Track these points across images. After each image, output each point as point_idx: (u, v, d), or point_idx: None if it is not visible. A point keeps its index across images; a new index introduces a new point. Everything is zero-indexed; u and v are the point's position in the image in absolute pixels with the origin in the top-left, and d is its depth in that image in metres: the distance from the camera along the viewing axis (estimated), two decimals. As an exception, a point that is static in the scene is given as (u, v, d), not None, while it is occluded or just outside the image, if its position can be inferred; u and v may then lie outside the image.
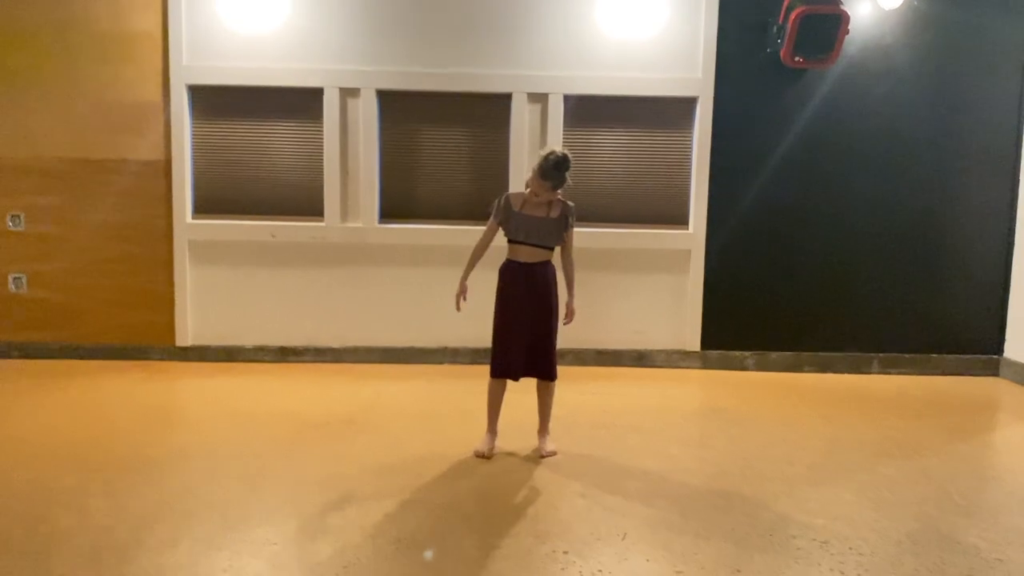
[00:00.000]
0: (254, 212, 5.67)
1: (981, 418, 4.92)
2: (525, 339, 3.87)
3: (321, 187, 5.64)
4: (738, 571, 2.75)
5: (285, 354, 5.73)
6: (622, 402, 4.88)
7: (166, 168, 5.55)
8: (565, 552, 2.87)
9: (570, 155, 3.72)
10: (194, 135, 5.60)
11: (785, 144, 5.64)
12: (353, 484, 3.47)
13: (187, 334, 5.69)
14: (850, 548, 2.95)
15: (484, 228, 4.00)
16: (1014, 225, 5.70)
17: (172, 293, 5.65)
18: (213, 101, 5.58)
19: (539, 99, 5.58)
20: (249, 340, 5.73)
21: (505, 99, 5.59)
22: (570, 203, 3.85)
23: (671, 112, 5.64)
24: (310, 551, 2.84)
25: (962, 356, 5.81)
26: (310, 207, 5.67)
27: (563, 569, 2.74)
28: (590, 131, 5.66)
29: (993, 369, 5.79)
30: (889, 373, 5.80)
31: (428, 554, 2.84)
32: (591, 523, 3.11)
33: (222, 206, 5.66)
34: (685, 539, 2.98)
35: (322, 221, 5.66)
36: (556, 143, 5.57)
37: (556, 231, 3.83)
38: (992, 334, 5.81)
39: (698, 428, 4.47)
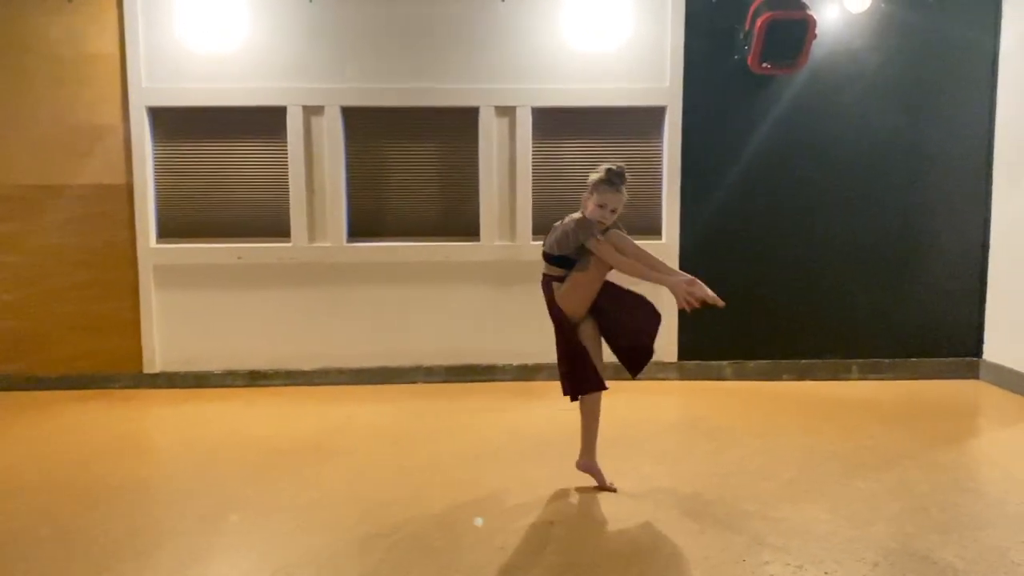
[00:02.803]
0: (220, 234, 5.56)
1: (961, 424, 4.86)
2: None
3: (287, 207, 5.54)
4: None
5: (255, 378, 5.62)
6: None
7: (128, 192, 5.44)
8: (529, 587, 2.78)
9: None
10: (156, 158, 5.49)
11: (756, 151, 5.58)
12: (321, 513, 3.37)
13: (154, 361, 5.57)
14: (825, 573, 2.87)
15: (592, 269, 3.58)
16: (988, 226, 5.67)
17: (138, 319, 5.53)
18: (174, 123, 5.47)
19: (507, 112, 5.50)
20: (218, 365, 5.62)
21: (472, 113, 5.51)
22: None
23: (640, 122, 5.57)
24: (267, 593, 2.75)
25: (941, 359, 5.76)
26: (276, 228, 5.57)
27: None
28: (559, 143, 5.59)
29: (973, 372, 5.74)
30: (868, 379, 5.74)
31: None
32: (562, 554, 3.02)
33: (187, 229, 5.55)
34: (656, 569, 2.90)
35: (289, 241, 5.56)
36: (525, 156, 5.51)
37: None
38: (970, 336, 5.76)
39: (674, 442, 4.39)
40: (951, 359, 5.77)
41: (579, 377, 3.58)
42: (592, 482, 3.68)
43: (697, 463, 4.02)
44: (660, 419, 4.87)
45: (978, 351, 5.76)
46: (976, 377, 5.74)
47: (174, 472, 3.95)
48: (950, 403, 5.21)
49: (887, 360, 5.77)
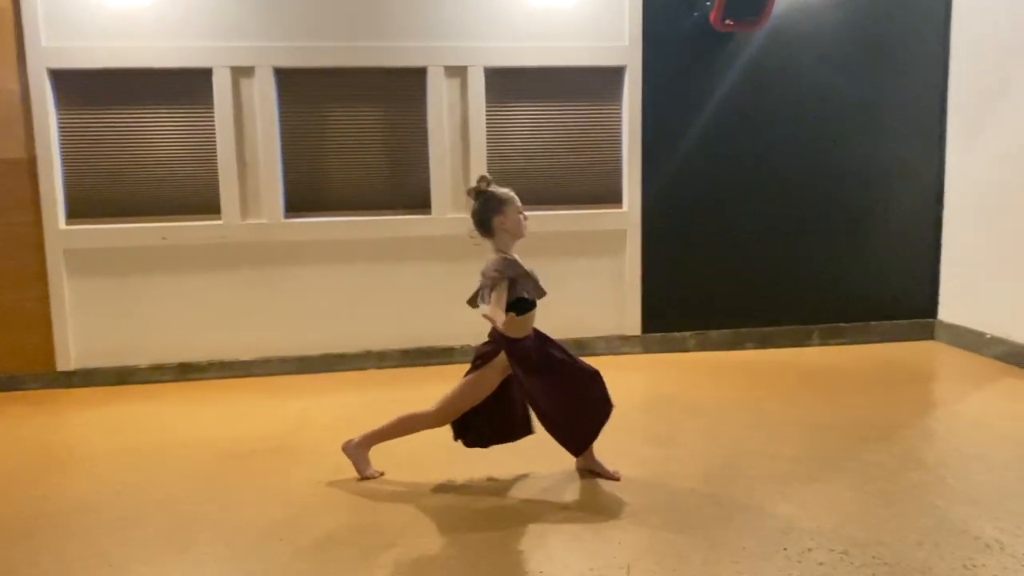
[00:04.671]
0: (140, 213, 4.96)
1: (936, 387, 4.84)
2: None
3: (216, 181, 4.99)
4: (767, 599, 2.43)
5: (186, 371, 5.08)
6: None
7: (30, 167, 4.77)
8: (569, 596, 2.47)
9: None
10: (62, 128, 4.83)
11: (716, 112, 5.37)
12: (298, 528, 2.95)
13: (69, 357, 4.95)
14: (873, 557, 2.66)
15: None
16: (942, 188, 5.65)
17: (48, 311, 4.89)
18: (82, 87, 4.83)
19: (457, 72, 5.09)
20: (143, 358, 5.04)
21: (420, 74, 5.08)
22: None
23: (599, 83, 5.27)
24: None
25: (898, 322, 5.74)
26: (205, 204, 5.01)
27: (572, 619, 2.35)
28: (514, 106, 5.22)
29: (928, 333, 5.74)
30: (828, 344, 5.67)
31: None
32: (586, 555, 2.72)
33: (101, 208, 4.93)
34: (695, 565, 2.63)
35: (219, 219, 5.02)
36: (478, 120, 5.12)
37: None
38: (926, 298, 5.75)
39: (662, 422, 4.14)
40: (908, 321, 5.75)
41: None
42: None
43: (695, 444, 3.78)
44: (637, 397, 4.62)
45: (933, 312, 5.76)
46: (932, 338, 5.74)
47: (113, 488, 3.40)
48: (915, 366, 5.18)
49: (846, 324, 5.70)
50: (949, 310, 5.67)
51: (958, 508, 3.02)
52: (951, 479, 3.31)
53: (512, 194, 3.22)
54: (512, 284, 3.13)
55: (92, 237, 4.90)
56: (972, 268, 5.43)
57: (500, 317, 3.03)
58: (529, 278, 3.16)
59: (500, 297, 3.08)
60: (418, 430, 3.40)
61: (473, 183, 3.28)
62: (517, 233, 3.24)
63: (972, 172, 5.39)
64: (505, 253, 3.19)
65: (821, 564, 2.62)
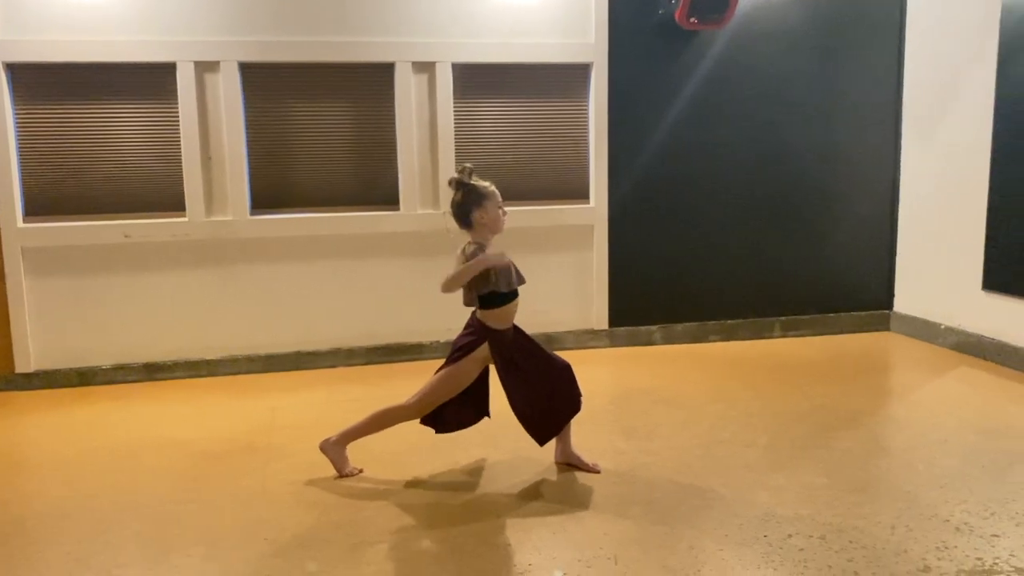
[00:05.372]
0: (101, 210, 4.86)
1: (894, 376, 4.99)
2: None
3: (180, 177, 4.91)
4: (752, 585, 2.49)
5: (152, 371, 4.99)
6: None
7: (-15, 164, 4.65)
8: (559, 586, 2.51)
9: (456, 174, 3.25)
10: (19, 124, 4.70)
11: (681, 109, 5.45)
12: (279, 527, 2.94)
13: (29, 358, 4.83)
14: (850, 541, 2.75)
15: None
16: (898, 181, 5.81)
17: (7, 311, 4.76)
18: (41, 82, 4.70)
19: (426, 68, 5.08)
20: (107, 359, 4.94)
21: (388, 69, 5.06)
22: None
23: (566, 80, 5.30)
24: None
25: (856, 313, 5.89)
26: (169, 201, 4.93)
27: (563, 609, 2.38)
28: (482, 102, 5.23)
29: (884, 324, 5.91)
30: (790, 336, 5.80)
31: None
32: (573, 546, 2.76)
33: (62, 205, 4.81)
34: (680, 554, 2.69)
35: (184, 216, 4.94)
36: (447, 116, 5.12)
37: None
38: (882, 290, 5.92)
39: (634, 415, 4.20)
40: (865, 312, 5.91)
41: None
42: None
43: (668, 435, 3.84)
44: (607, 390, 4.68)
45: (889, 304, 5.93)
46: (888, 328, 5.91)
47: (85, 492, 3.33)
48: (873, 356, 5.33)
49: (806, 317, 5.84)
50: (904, 301, 5.84)
51: (927, 493, 3.13)
52: (918, 464, 3.43)
53: (493, 188, 3.23)
54: (485, 275, 3.13)
55: (51, 235, 4.78)
56: (926, 260, 5.60)
57: (447, 283, 3.08)
58: (502, 271, 3.16)
59: (460, 273, 3.08)
60: (395, 423, 3.39)
61: (455, 172, 3.26)
62: (495, 228, 3.25)
63: (926, 167, 5.56)
64: (481, 246, 3.19)
65: (801, 550, 2.70)
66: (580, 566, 2.62)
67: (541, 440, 3.34)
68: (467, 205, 3.19)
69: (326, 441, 3.41)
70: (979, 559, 2.61)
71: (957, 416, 4.03)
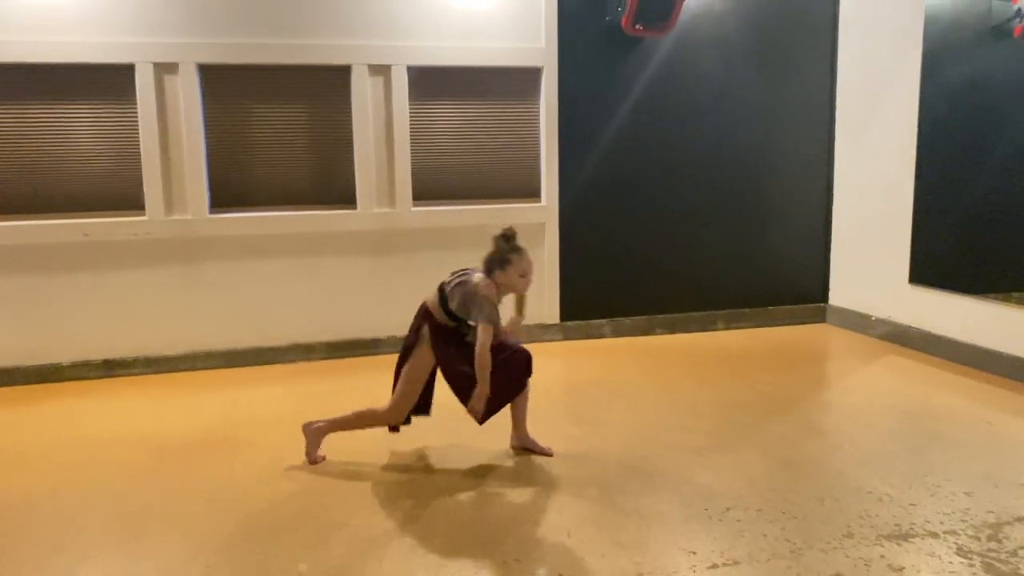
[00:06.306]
0: (61, 209, 4.91)
1: (829, 365, 5.28)
2: None
3: (139, 177, 4.98)
4: (693, 553, 2.71)
5: (111, 368, 5.06)
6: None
7: (-58, 163, 4.68)
8: (517, 560, 2.69)
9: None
10: (-24, 123, 4.75)
11: (627, 112, 5.69)
12: (249, 513, 3.08)
13: (-14, 356, 4.87)
14: (783, 512, 3.00)
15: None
16: (832, 181, 6.13)
17: (-37, 310, 4.80)
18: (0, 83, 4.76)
19: (381, 71, 5.23)
20: (66, 356, 5.00)
21: (344, 72, 5.20)
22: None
23: (518, 83, 5.50)
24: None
25: (793, 307, 6.21)
26: (128, 200, 5.01)
27: (522, 579, 2.57)
28: (436, 104, 5.40)
29: (821, 316, 6.24)
30: (732, 328, 6.08)
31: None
32: (531, 522, 2.95)
33: (20, 204, 4.85)
34: (629, 529, 2.90)
35: (144, 215, 5.01)
36: (402, 117, 5.28)
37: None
38: (818, 284, 6.24)
39: (585, 403, 4.41)
40: (802, 306, 6.23)
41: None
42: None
43: (617, 422, 4.07)
44: (560, 381, 4.89)
45: (824, 297, 6.26)
46: (823, 320, 6.24)
47: (51, 485, 3.43)
48: (809, 346, 5.63)
49: (747, 310, 6.13)
50: (838, 295, 6.17)
51: (853, 469, 3.40)
52: (846, 445, 3.70)
53: (524, 256, 3.38)
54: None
55: (10, 234, 4.82)
56: (858, 257, 5.93)
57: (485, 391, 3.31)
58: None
59: (485, 344, 3.28)
60: (375, 426, 3.58)
61: (504, 229, 3.40)
62: (509, 291, 3.44)
63: (857, 168, 5.89)
64: (493, 287, 3.35)
65: (739, 521, 2.94)
66: (536, 542, 2.81)
67: (482, 419, 3.43)
68: (492, 262, 3.37)
69: (309, 424, 3.57)
70: (897, 525, 2.88)
71: (884, 401, 4.33)
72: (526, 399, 3.63)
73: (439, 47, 5.29)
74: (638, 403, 4.36)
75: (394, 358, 3.56)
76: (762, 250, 6.11)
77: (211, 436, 3.97)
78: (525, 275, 3.41)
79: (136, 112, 4.91)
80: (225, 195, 5.18)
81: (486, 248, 3.41)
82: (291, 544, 2.83)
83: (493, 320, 3.33)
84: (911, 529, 2.84)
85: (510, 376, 3.49)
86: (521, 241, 3.39)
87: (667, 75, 5.72)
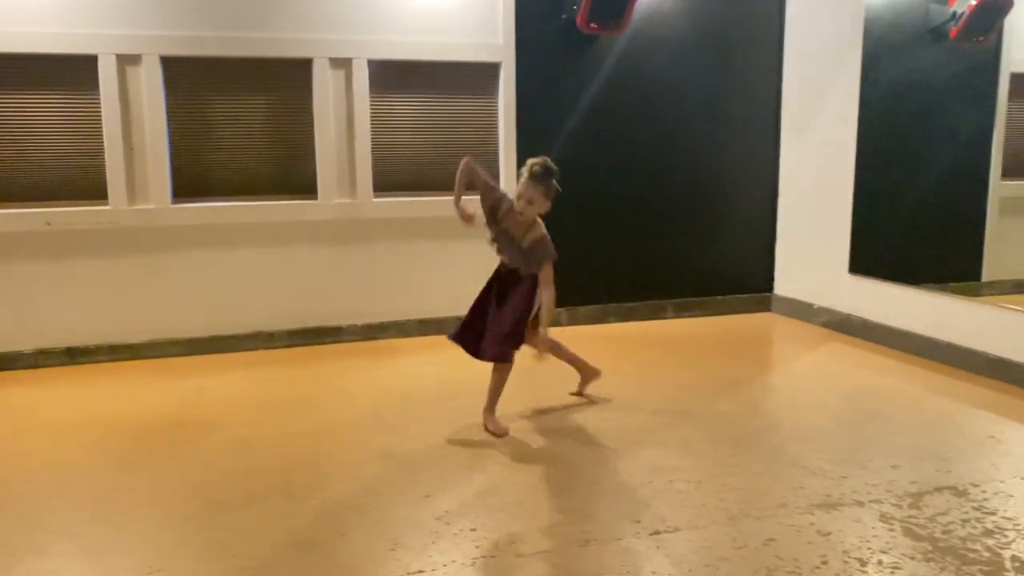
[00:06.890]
0: (23, 199, 4.95)
1: (774, 351, 5.55)
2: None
3: (102, 167, 5.04)
4: (638, 521, 2.91)
5: (74, 355, 5.12)
6: (459, 372, 4.84)
7: (-98, 151, 4.69)
8: (473, 529, 2.87)
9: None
10: (-63, 111, 4.77)
11: (583, 107, 5.88)
12: (220, 486, 3.21)
13: (-53, 344, 4.90)
14: (723, 484, 3.21)
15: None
16: (777, 176, 6.40)
17: (-76, 298, 4.82)
18: (-42, 71, 4.77)
19: (342, 64, 5.34)
20: (28, 344, 5.04)
21: (306, 65, 5.30)
22: (543, 236, 3.89)
23: (477, 78, 5.65)
24: (201, 572, 2.61)
25: (740, 296, 6.46)
26: (91, 189, 5.06)
27: (477, 546, 2.74)
28: (397, 97, 5.53)
29: (766, 305, 6.50)
30: (682, 317, 6.32)
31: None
32: (485, 494, 3.13)
33: (-18, 193, 4.89)
34: (581, 495, 3.09)
35: (107, 204, 5.07)
36: (363, 110, 5.40)
37: (529, 263, 3.87)
38: (763, 274, 6.51)
39: (542, 387, 4.59)
40: (748, 295, 6.49)
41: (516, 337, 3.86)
42: (480, 428, 3.82)
43: (571, 402, 4.27)
44: (518, 366, 5.01)
45: (770, 287, 6.53)
46: (769, 309, 6.51)
47: (19, 466, 3.51)
48: (755, 333, 5.90)
49: (696, 299, 6.37)
50: (783, 285, 6.44)
51: (791, 446, 3.63)
52: (786, 423, 3.95)
53: (527, 171, 3.85)
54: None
55: (-29, 222, 4.86)
56: (801, 248, 6.20)
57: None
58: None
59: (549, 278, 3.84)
60: (506, 376, 3.89)
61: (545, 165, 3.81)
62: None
63: (801, 163, 6.16)
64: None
65: (680, 492, 3.15)
66: (491, 509, 2.99)
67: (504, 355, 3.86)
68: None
69: (485, 419, 3.83)
70: (827, 495, 3.11)
71: (823, 384, 4.59)
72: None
73: (399, 41, 5.42)
74: (592, 385, 4.55)
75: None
76: (711, 242, 6.35)
77: (177, 419, 4.08)
78: (522, 192, 3.78)
79: (99, 103, 4.96)
80: (188, 185, 5.26)
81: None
82: (260, 517, 2.97)
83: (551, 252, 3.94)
84: (840, 499, 3.08)
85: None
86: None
87: (621, 73, 5.92)
